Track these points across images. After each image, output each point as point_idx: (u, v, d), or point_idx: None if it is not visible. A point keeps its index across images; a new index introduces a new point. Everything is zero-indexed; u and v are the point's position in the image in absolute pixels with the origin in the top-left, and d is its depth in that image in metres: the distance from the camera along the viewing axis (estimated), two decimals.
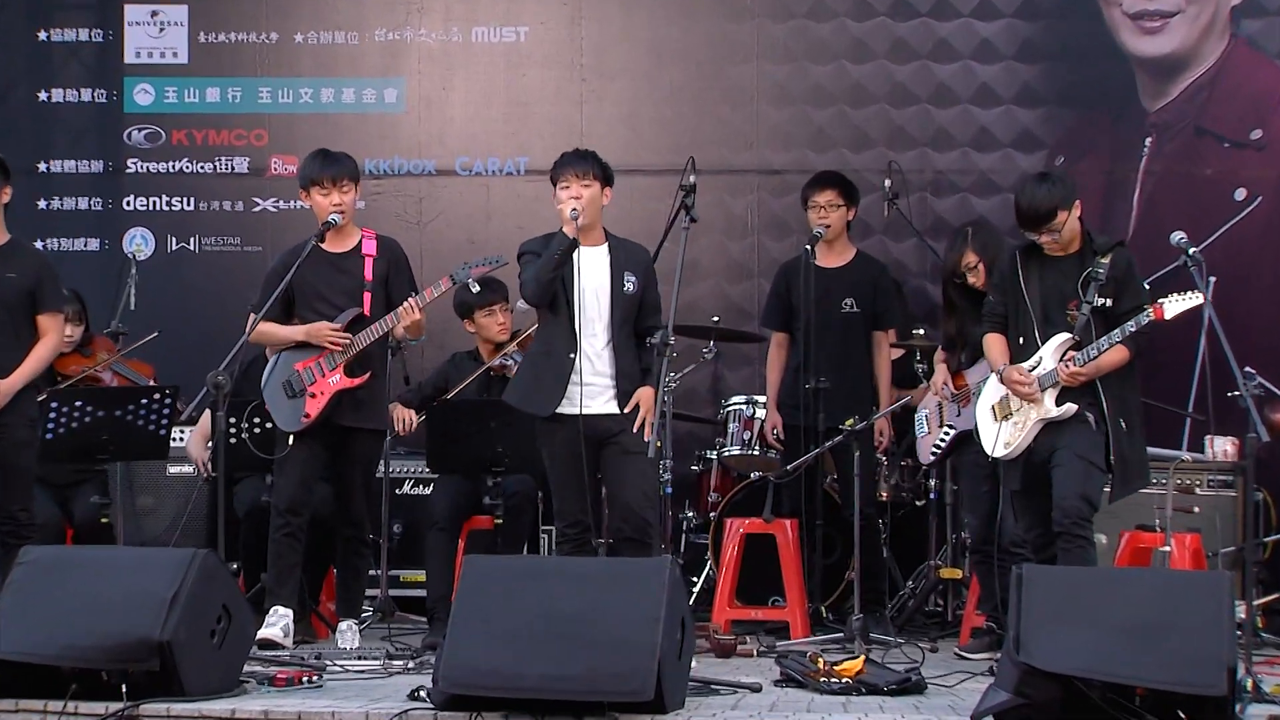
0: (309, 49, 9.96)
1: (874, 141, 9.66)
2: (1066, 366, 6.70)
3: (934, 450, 7.85)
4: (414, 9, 9.94)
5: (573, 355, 6.95)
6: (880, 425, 8.23)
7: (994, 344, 7.00)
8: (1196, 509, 8.10)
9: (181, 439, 8.49)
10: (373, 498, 7.94)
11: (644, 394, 6.92)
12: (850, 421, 7.75)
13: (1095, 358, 6.69)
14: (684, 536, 8.97)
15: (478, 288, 7.72)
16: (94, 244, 9.96)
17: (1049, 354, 6.79)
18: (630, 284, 7.04)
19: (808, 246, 8.21)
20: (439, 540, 7.86)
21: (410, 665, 6.80)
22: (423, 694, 5.82)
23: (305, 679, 6.28)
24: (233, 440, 7.68)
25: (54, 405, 7.59)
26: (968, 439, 7.41)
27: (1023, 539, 7.05)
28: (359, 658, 7.03)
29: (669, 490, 8.32)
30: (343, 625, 7.53)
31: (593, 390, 6.96)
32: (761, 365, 8.79)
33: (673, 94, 9.82)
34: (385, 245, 7.59)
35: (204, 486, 8.28)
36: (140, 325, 9.06)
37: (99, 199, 9.99)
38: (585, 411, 6.90)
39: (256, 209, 9.94)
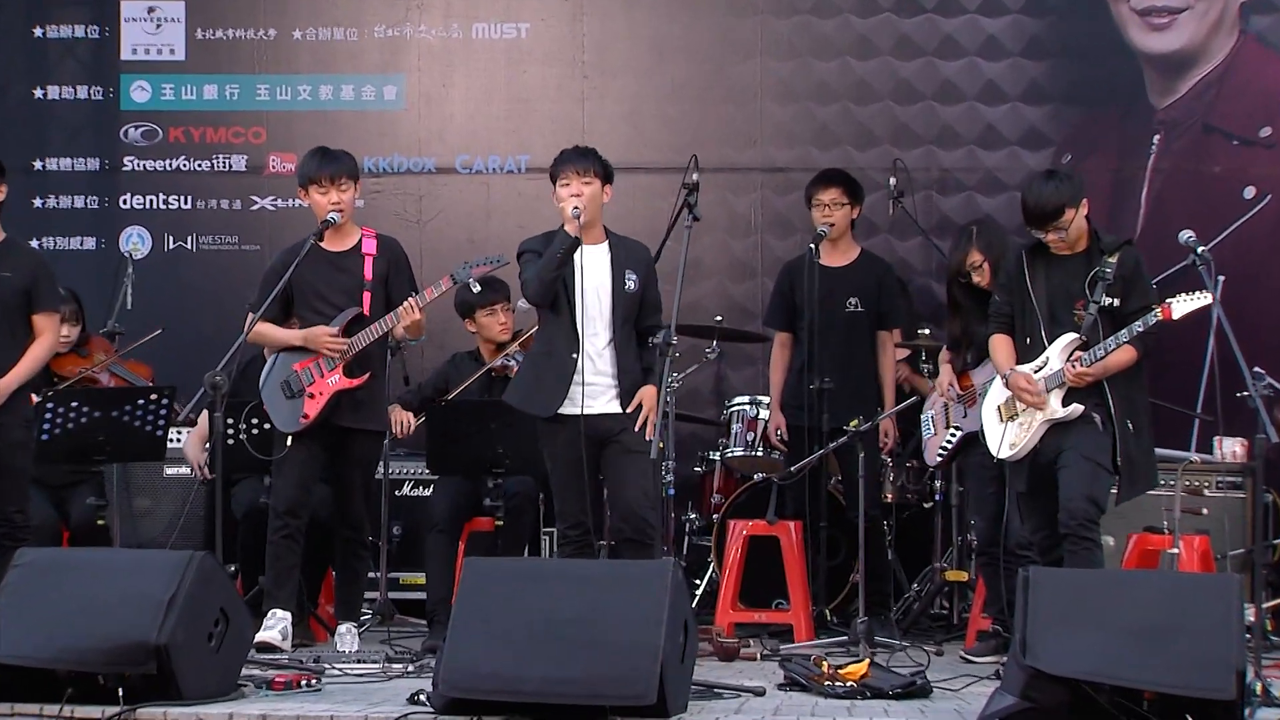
0: (307, 46, 9.91)
1: (879, 139, 9.61)
2: (1073, 367, 6.65)
3: (941, 451, 7.80)
4: (414, 5, 9.89)
5: (575, 355, 6.90)
6: (885, 426, 8.18)
7: (1000, 346, 6.95)
8: (1205, 511, 8.05)
9: (179, 440, 8.45)
10: (372, 499, 7.90)
11: (647, 393, 6.88)
12: (855, 422, 7.70)
13: (1102, 358, 6.64)
14: (687, 538, 8.93)
15: (479, 287, 7.69)
16: (90, 243, 9.92)
17: (1056, 354, 6.75)
18: (631, 282, 7.00)
19: (812, 245, 8.17)
20: (439, 542, 7.83)
21: (410, 669, 6.78)
22: (422, 698, 5.80)
23: (304, 682, 6.25)
24: (231, 441, 7.66)
25: (50, 406, 7.56)
26: (974, 440, 7.38)
27: (1029, 541, 7.01)
28: (358, 661, 7.00)
29: (672, 492, 8.32)
30: (342, 628, 7.49)
31: (594, 390, 6.91)
32: (765, 365, 8.75)
33: (675, 91, 9.77)
34: (385, 244, 7.55)
35: (201, 488, 8.25)
36: (137, 325, 9.05)
37: (95, 197, 9.95)
38: (587, 411, 6.86)
39: (254, 207, 9.89)
